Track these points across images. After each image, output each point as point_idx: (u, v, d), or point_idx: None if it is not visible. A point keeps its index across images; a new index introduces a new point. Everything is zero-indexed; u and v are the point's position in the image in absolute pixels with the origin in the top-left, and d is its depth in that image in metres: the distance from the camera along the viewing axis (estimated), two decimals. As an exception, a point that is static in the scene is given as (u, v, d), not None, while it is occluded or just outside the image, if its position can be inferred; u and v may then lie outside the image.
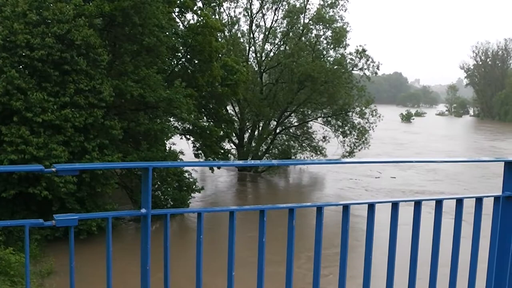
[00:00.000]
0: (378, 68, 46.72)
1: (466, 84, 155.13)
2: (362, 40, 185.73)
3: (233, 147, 45.95)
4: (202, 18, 31.69)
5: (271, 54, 48.10)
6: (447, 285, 4.30)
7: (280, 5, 46.91)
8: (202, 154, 35.81)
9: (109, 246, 3.40)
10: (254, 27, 47.90)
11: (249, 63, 46.48)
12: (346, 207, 3.89)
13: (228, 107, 44.40)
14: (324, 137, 47.52)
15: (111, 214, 3.42)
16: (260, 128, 46.79)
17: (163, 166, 26.45)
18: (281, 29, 47.82)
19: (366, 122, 45.98)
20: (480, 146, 74.17)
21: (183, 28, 34.85)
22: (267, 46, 48.33)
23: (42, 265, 20.82)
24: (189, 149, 36.53)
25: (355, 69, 46.42)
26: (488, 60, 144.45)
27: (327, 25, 45.13)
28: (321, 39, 46.08)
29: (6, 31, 23.57)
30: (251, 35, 47.94)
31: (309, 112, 47.82)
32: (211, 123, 37.15)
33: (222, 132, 37.71)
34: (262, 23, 48.12)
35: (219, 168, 40.84)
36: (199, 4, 36.06)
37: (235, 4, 47.78)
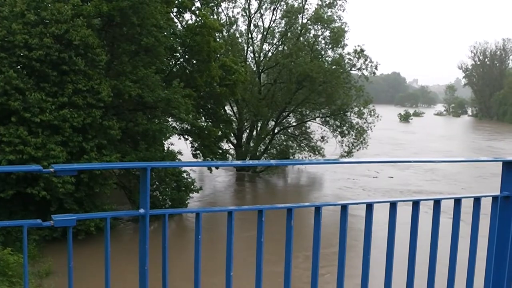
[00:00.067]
0: (376, 68, 46.76)
1: (464, 84, 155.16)
2: (361, 40, 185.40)
3: (231, 147, 45.95)
4: (200, 18, 31.68)
5: (269, 54, 48.08)
6: (445, 284, 4.30)
7: (278, 5, 46.93)
8: (200, 154, 35.79)
9: (107, 246, 3.40)
10: (252, 27, 47.94)
11: (247, 63, 46.46)
12: (344, 207, 3.90)
13: (226, 107, 44.31)
14: (322, 137, 47.53)
15: (109, 215, 3.41)
16: (259, 128, 46.78)
17: (161, 166, 26.47)
18: (279, 29, 47.84)
19: (364, 122, 46.02)
20: (477, 146, 74.24)
21: (181, 28, 34.87)
22: (265, 46, 48.39)
23: (40, 266, 20.80)
24: (187, 149, 36.51)
25: (353, 69, 46.47)
26: (486, 60, 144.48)
27: (325, 25, 45.16)
28: (319, 39, 46.11)
29: (4, 31, 23.56)
30: (249, 35, 47.93)
31: (307, 112, 47.81)
32: (209, 123, 37.13)
33: (220, 132, 37.72)
34: (260, 23, 48.22)
35: (217, 168, 40.88)
36: (197, 4, 36.10)
37: (233, 4, 47.77)
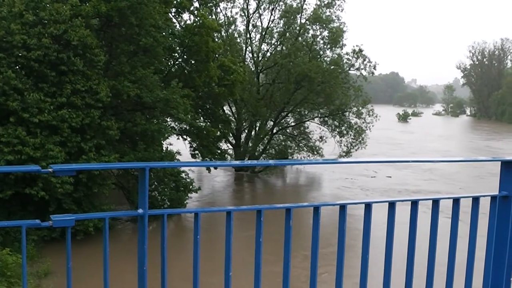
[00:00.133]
0: (374, 68, 46.84)
1: (462, 84, 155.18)
2: (359, 40, 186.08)
3: (230, 147, 45.93)
4: (198, 18, 31.66)
5: (268, 54, 48.08)
6: (444, 284, 4.31)
7: (276, 5, 46.92)
8: (199, 154, 35.80)
9: (106, 247, 3.40)
10: (250, 27, 47.92)
11: (246, 63, 46.44)
12: (343, 207, 3.90)
13: (225, 107, 44.37)
14: (321, 137, 47.52)
15: (108, 215, 3.41)
16: (257, 128, 46.76)
17: (160, 167, 26.47)
18: (278, 29, 47.86)
19: (363, 122, 46.05)
20: (476, 146, 74.29)
21: (179, 28, 34.86)
22: (264, 46, 48.39)
23: (39, 266, 20.81)
24: (186, 149, 36.51)
25: (351, 69, 46.50)
26: (484, 60, 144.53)
27: (324, 25, 45.17)
28: (318, 39, 46.14)
29: (3, 32, 23.54)
30: (248, 35, 47.91)
31: (306, 112, 47.81)
32: (208, 123, 37.12)
33: (219, 132, 37.75)
34: (258, 23, 48.19)
35: (216, 168, 40.87)
36: (196, 4, 36.09)
37: (232, 4, 47.79)
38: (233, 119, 46.24)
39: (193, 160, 36.06)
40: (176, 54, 33.95)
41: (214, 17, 42.70)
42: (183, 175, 30.94)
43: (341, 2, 45.90)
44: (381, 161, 5.56)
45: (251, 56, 48.17)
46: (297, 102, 45.18)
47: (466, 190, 38.45)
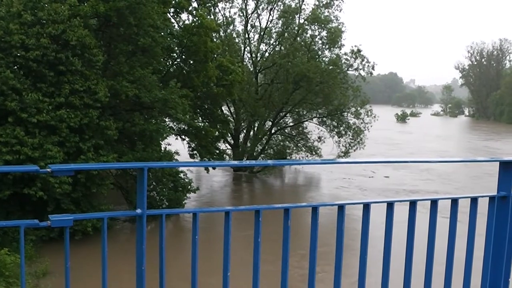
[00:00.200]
0: (373, 68, 46.89)
1: (461, 85, 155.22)
2: (357, 40, 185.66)
3: (229, 147, 45.96)
4: (197, 18, 31.65)
5: (266, 54, 48.09)
6: (442, 283, 4.32)
7: (275, 5, 46.91)
8: (198, 155, 35.79)
9: (104, 247, 3.40)
10: (249, 27, 47.92)
11: (244, 63, 46.44)
12: (341, 207, 3.91)
13: (223, 108, 44.38)
14: (319, 137, 47.53)
15: (106, 215, 3.41)
16: (256, 129, 46.76)
17: (158, 167, 26.42)
18: (276, 29, 47.88)
19: (361, 123, 46.08)
20: (474, 146, 74.34)
21: (178, 28, 34.84)
22: (262, 47, 48.36)
23: (37, 266, 20.80)
24: (184, 149, 36.52)
25: (350, 69, 46.52)
26: (483, 60, 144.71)
27: (322, 25, 45.18)
28: (316, 39, 46.15)
29: (1, 32, 23.52)
30: (246, 36, 47.93)
31: (305, 113, 47.82)
32: (206, 123, 37.13)
33: (217, 132, 37.75)
34: (257, 23, 48.17)
35: (214, 168, 40.83)
36: (194, 4, 36.09)
37: (230, 4, 47.88)
38: (232, 119, 46.24)
39: (192, 160, 36.05)
40: (175, 54, 33.93)
41: (212, 17, 42.66)
42: (181, 175, 30.91)
43: (340, 2, 45.97)
44: (379, 162, 5.56)
45: (249, 56, 48.19)
46: (295, 102, 45.20)
47: (463, 190, 38.60)
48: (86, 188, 25.25)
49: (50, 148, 23.46)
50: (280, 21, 47.07)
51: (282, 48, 46.13)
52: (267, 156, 46.20)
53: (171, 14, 34.09)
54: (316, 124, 48.21)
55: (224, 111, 45.09)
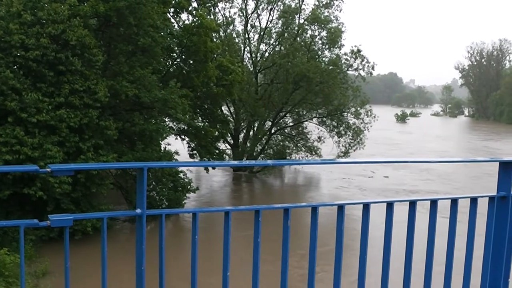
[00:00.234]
0: (373, 69, 46.86)
1: (461, 85, 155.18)
2: (357, 40, 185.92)
3: (228, 147, 45.94)
4: (197, 18, 31.65)
5: (266, 54, 48.07)
6: (442, 283, 4.32)
7: (275, 5, 46.88)
8: (197, 154, 35.78)
9: (104, 247, 3.40)
10: (249, 27, 47.89)
11: (244, 63, 46.42)
12: (341, 207, 3.91)
13: (223, 108, 44.37)
14: (319, 138, 47.52)
15: (106, 215, 3.40)
16: (255, 129, 46.74)
17: (158, 167, 26.42)
18: (276, 30, 47.86)
19: (361, 123, 46.07)
20: (474, 146, 74.34)
21: (178, 28, 34.82)
22: (262, 47, 48.34)
23: (37, 266, 20.79)
24: (184, 149, 36.51)
25: (350, 69, 46.50)
26: (483, 60, 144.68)
27: (322, 25, 45.17)
28: (316, 39, 46.14)
29: (1, 32, 23.52)
30: (246, 36, 47.91)
31: (304, 113, 47.80)
32: (206, 123, 37.12)
33: (217, 132, 37.73)
34: (257, 23, 48.15)
35: (214, 168, 40.82)
36: (194, 4, 36.08)
37: (230, 4, 47.84)
38: (231, 119, 46.22)
39: (191, 160, 36.04)
40: (175, 54, 33.93)
41: (212, 17, 42.64)
42: (181, 175, 30.90)
43: (340, 2, 45.96)
44: (379, 162, 5.57)
45: (249, 56, 48.16)
46: (295, 102, 45.19)
47: (462, 190, 38.62)
48: (86, 188, 25.25)
49: (49, 148, 23.45)
50: (280, 21, 47.06)
51: (282, 48, 46.11)
52: (266, 156, 46.19)
53: (171, 14, 34.09)
54: (316, 124, 48.20)
55: (224, 111, 45.08)
